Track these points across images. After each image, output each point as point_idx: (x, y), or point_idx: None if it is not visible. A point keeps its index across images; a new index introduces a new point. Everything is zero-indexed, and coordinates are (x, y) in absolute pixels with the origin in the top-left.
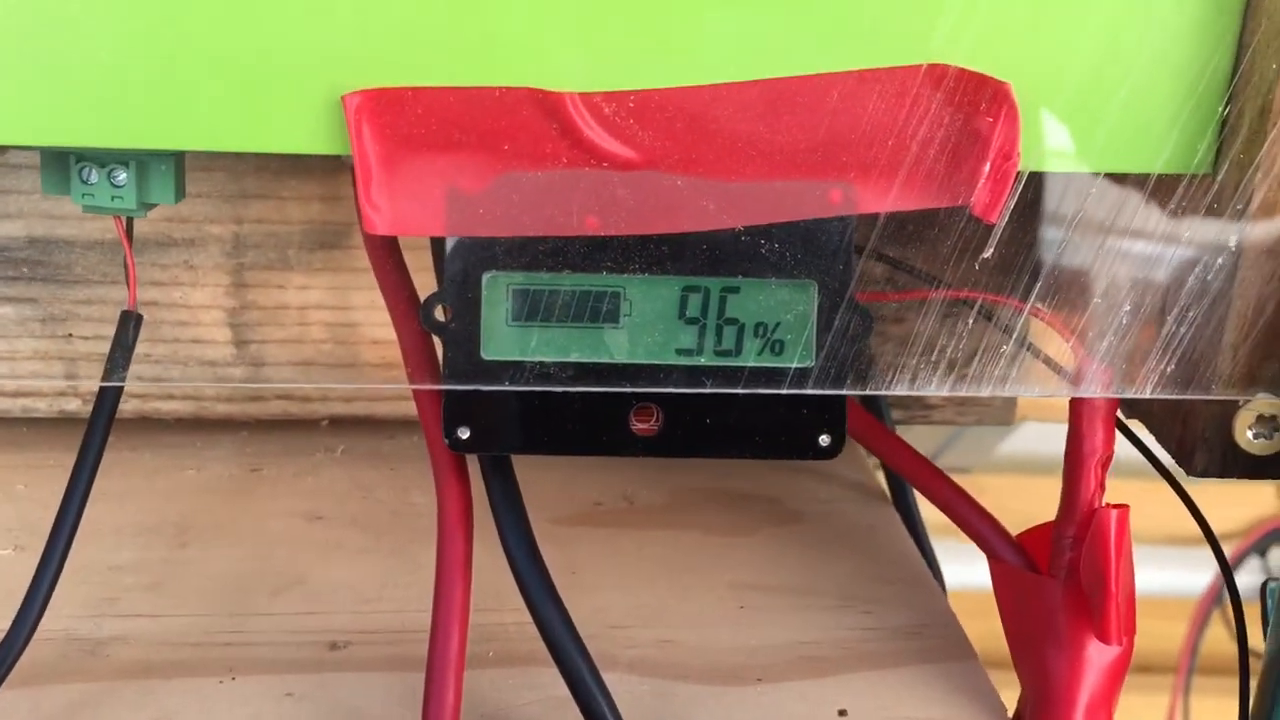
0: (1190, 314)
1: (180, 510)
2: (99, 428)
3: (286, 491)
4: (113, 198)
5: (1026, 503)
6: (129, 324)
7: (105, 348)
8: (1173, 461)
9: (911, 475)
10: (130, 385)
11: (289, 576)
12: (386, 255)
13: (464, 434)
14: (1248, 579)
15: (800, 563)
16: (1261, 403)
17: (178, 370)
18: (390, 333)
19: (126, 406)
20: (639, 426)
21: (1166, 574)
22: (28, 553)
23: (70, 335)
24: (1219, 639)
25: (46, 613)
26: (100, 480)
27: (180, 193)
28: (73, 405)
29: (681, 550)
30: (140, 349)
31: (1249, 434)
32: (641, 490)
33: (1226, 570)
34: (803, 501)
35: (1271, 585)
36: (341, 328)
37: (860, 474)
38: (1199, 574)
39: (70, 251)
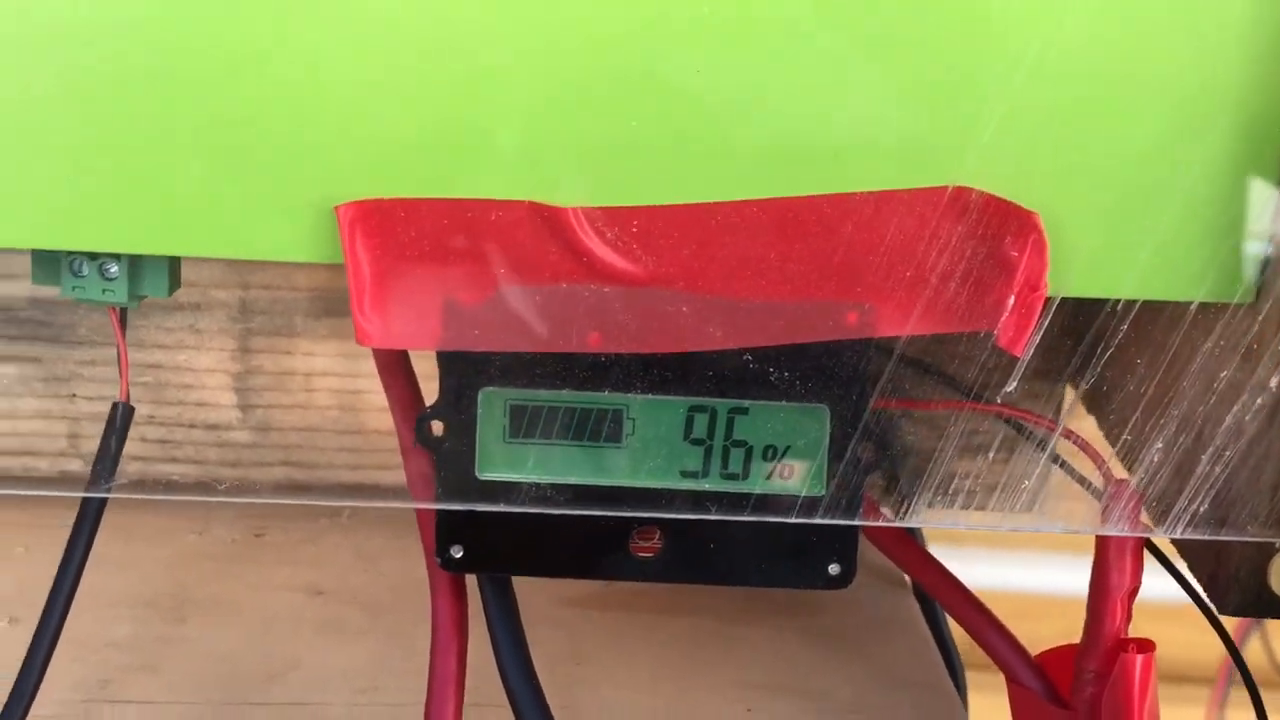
0: (1228, 453)
1: (180, 580)
2: (81, 539)
3: (289, 560)
4: (104, 290)
5: None
6: (116, 418)
7: (107, 408)
8: None
9: (930, 586)
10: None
11: (286, 660)
12: (392, 364)
13: (457, 553)
14: None
15: (812, 660)
16: None
17: (181, 432)
18: None
19: (130, 468)
20: (640, 546)
21: None
22: (21, 627)
23: (74, 395)
24: (1257, 651)
25: (37, 695)
26: (102, 545)
27: (174, 285)
28: (75, 465)
29: (691, 641)
30: (145, 410)
31: None
32: None
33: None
34: None
35: None
36: (348, 394)
37: (881, 556)
38: None
39: (74, 312)
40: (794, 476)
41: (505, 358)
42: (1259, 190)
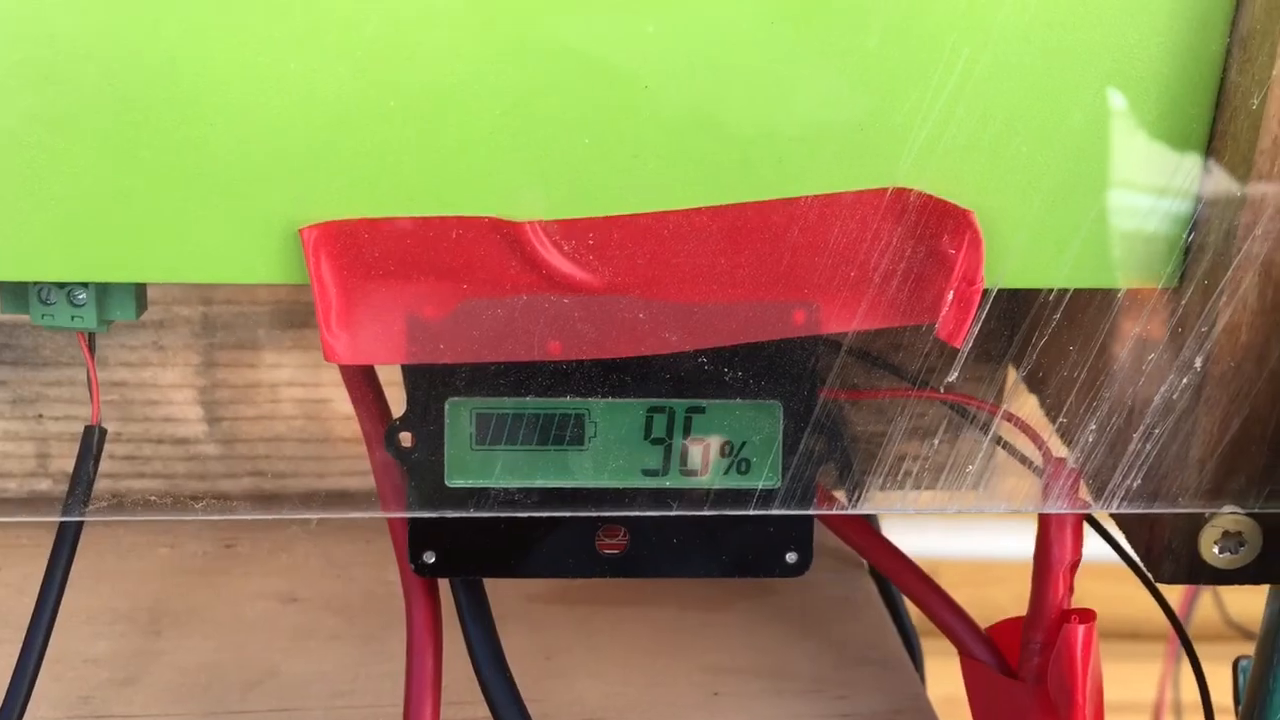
0: (1157, 430)
1: (154, 593)
2: (60, 562)
3: (261, 570)
4: (73, 317)
5: None
6: (92, 441)
7: (76, 427)
8: None
9: (885, 567)
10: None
11: (262, 668)
12: (358, 379)
13: (430, 559)
14: None
15: (775, 642)
16: (1227, 518)
17: (149, 448)
18: None
19: (100, 486)
20: (606, 544)
21: None
22: (2, 646)
23: (40, 416)
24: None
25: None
26: (75, 562)
27: (141, 308)
28: (44, 485)
29: (657, 629)
30: (112, 428)
31: (1214, 549)
32: None
33: (1193, 658)
34: None
35: (1243, 663)
36: (313, 404)
37: (837, 539)
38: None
39: (38, 335)
40: (750, 470)
41: (470, 369)
42: (1179, 183)
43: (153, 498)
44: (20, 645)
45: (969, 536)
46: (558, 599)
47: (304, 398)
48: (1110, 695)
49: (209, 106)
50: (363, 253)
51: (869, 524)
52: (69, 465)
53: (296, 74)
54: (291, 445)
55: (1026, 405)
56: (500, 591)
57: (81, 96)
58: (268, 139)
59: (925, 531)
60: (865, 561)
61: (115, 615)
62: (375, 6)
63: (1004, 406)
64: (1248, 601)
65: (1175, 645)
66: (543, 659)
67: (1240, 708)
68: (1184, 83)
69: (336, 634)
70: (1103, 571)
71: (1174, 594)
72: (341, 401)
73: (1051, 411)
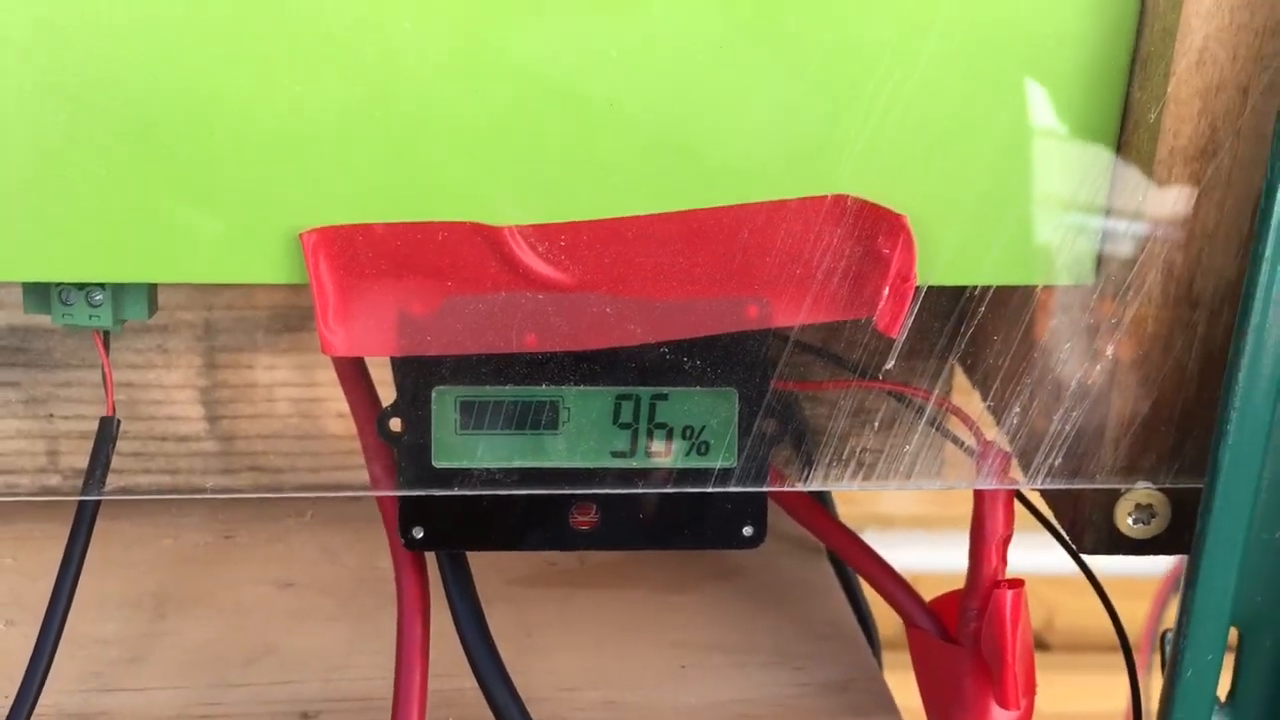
0: (1075, 413)
1: (158, 581)
2: (79, 543)
3: (259, 558)
4: (90, 316)
5: None
6: (108, 431)
7: (84, 426)
8: None
9: (838, 546)
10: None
11: (261, 646)
12: (350, 371)
13: (418, 534)
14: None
15: (739, 619)
16: (1139, 492)
17: (154, 445)
18: None
19: (108, 480)
20: (579, 520)
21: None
22: (17, 628)
23: (51, 415)
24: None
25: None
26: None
27: (153, 309)
28: (54, 480)
29: (629, 609)
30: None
31: (1129, 520)
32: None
33: (1135, 681)
34: (742, 555)
35: (1169, 634)
36: (307, 403)
37: (797, 526)
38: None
39: (50, 338)
40: (709, 451)
41: (454, 360)
42: (1093, 190)
43: (165, 478)
44: (36, 627)
45: (948, 551)
46: (538, 582)
47: (298, 397)
48: (1087, 705)
49: (219, 125)
50: (357, 255)
51: (824, 508)
52: (78, 462)
53: (298, 96)
54: (287, 442)
55: (972, 399)
56: (484, 575)
57: (104, 117)
58: (271, 153)
59: (905, 546)
60: (824, 546)
61: (122, 601)
62: (369, 35)
63: (936, 393)
64: None
65: (1146, 655)
66: (524, 636)
67: (1165, 672)
68: (1093, 100)
69: (331, 615)
70: (1084, 586)
71: (1145, 603)
72: (334, 401)
73: (982, 397)
